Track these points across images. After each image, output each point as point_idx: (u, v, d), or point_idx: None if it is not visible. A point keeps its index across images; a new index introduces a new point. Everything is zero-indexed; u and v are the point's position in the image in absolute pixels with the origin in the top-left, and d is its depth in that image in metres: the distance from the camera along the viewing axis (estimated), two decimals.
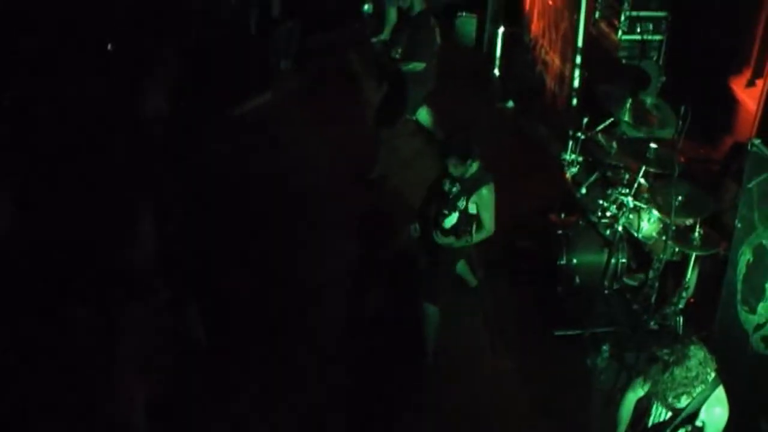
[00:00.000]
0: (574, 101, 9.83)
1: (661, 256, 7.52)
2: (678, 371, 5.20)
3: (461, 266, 8.25)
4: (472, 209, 7.54)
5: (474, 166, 7.51)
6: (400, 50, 9.83)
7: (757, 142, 6.36)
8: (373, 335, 8.09)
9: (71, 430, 6.13)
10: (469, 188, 7.53)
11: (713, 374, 5.36)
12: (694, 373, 5.23)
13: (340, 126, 11.07)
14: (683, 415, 5.44)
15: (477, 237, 7.64)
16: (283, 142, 10.84)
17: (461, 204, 7.54)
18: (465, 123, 11.13)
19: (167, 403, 6.24)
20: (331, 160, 10.41)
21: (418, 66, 9.80)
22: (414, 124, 10.82)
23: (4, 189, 7.99)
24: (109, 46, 9.86)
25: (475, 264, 8.41)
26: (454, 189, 7.59)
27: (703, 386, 5.31)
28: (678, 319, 7.74)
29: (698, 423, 5.51)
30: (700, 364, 5.26)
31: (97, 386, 5.83)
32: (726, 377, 5.55)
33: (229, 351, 7.61)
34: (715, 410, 5.45)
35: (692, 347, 5.26)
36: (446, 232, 7.62)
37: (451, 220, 7.55)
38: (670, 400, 5.31)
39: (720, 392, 5.47)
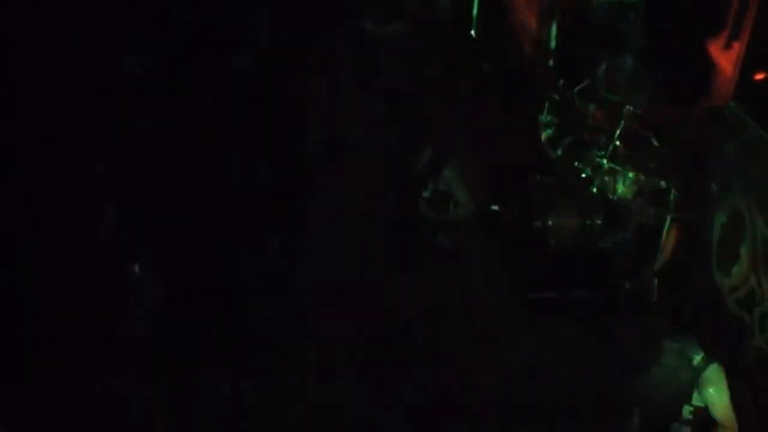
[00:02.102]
0: (551, 63, 9.74)
1: (636, 218, 7.55)
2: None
3: None
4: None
5: None
6: None
7: (733, 105, 6.35)
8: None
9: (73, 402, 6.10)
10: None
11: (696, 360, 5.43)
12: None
13: None
14: None
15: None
16: None
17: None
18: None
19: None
20: None
21: None
22: None
23: None
24: None
25: None
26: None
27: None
28: (653, 281, 7.77)
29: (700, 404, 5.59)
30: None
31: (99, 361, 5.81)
32: (702, 340, 5.60)
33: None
34: (709, 390, 5.53)
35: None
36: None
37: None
38: None
39: (711, 372, 5.54)
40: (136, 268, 6.67)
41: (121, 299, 6.57)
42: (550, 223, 8.11)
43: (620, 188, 7.80)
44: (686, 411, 5.57)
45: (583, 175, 7.97)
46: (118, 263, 6.85)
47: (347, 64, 10.51)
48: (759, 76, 7.45)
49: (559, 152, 8.17)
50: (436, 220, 7.57)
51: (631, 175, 7.67)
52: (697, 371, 5.50)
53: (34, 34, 8.66)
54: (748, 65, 7.63)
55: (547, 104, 8.39)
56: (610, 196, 7.83)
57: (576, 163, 7.98)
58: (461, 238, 8.49)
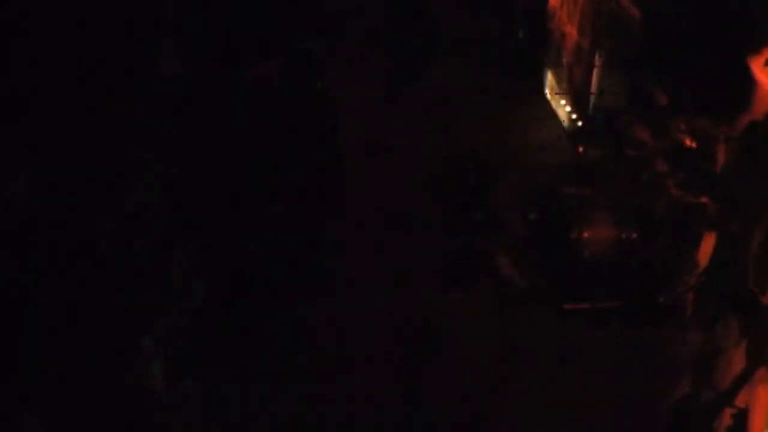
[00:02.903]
0: (591, 74, 9.77)
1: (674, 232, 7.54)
2: None
3: None
4: None
5: None
6: None
7: None
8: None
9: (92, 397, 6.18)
10: None
11: None
12: None
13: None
14: None
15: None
16: None
17: None
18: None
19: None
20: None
21: None
22: None
23: (21, 152, 7.99)
24: None
25: None
26: None
27: None
28: (688, 294, 7.75)
29: None
30: None
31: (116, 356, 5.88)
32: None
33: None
34: None
35: None
36: None
37: None
38: None
39: None
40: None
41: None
42: (585, 234, 8.10)
43: (659, 202, 7.78)
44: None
45: (621, 187, 7.95)
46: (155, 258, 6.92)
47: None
48: None
49: (597, 163, 8.17)
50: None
51: (670, 188, 7.65)
52: None
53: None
54: None
55: (586, 115, 8.39)
56: (649, 210, 7.81)
57: (614, 174, 7.97)
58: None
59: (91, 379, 6.35)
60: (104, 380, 6.09)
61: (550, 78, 11.33)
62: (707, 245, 7.60)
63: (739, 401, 5.37)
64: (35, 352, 6.77)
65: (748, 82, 7.63)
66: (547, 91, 11.45)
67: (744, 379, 5.37)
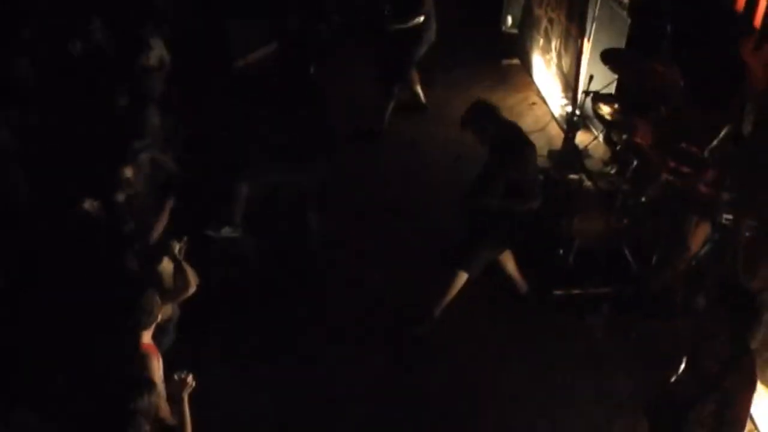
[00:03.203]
0: (580, 60, 9.76)
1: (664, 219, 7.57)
2: None
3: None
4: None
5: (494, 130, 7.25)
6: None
7: None
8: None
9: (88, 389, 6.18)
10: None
11: None
12: None
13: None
14: None
15: (509, 203, 7.29)
16: None
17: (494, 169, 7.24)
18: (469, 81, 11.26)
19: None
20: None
21: (418, 20, 9.82)
22: None
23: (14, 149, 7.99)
24: None
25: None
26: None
27: None
28: (678, 282, 7.78)
29: None
30: None
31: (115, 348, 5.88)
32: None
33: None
34: None
35: None
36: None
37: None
38: None
39: None
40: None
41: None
42: (575, 221, 8.11)
43: (649, 189, 7.79)
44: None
45: (611, 174, 7.96)
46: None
47: None
48: None
49: (587, 150, 8.18)
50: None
51: (661, 176, 7.66)
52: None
53: None
54: None
55: (576, 101, 8.39)
56: (640, 198, 7.82)
57: (603, 162, 7.99)
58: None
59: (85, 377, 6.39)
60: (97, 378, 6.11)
61: (539, 62, 11.33)
62: (697, 232, 7.63)
63: (724, 388, 5.39)
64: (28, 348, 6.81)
65: (738, 67, 7.64)
66: (534, 75, 11.47)
67: (730, 365, 5.39)
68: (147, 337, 5.76)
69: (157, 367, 5.67)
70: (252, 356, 7.40)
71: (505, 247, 7.69)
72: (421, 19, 9.80)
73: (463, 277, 7.49)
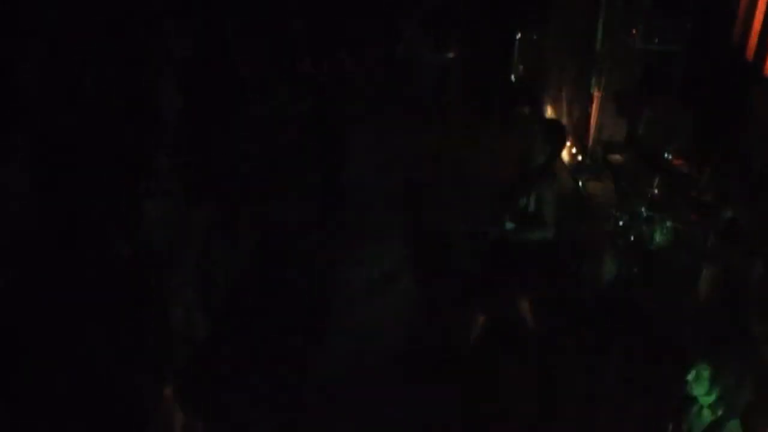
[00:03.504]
0: (591, 110, 9.78)
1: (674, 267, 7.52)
2: None
3: None
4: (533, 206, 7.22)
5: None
6: None
7: None
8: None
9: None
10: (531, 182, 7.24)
11: None
12: None
13: None
14: None
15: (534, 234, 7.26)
16: None
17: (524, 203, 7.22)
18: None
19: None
20: None
21: None
22: None
23: (22, 170, 7.99)
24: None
25: None
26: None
27: None
28: (688, 330, 7.71)
29: None
30: None
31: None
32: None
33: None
34: None
35: None
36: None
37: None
38: None
39: None
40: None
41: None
42: (585, 269, 8.08)
43: (658, 236, 7.75)
44: None
45: (621, 223, 7.92)
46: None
47: None
48: None
49: (597, 199, 8.15)
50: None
51: (668, 223, 7.62)
52: None
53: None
54: None
55: (586, 150, 8.39)
56: (648, 245, 7.78)
57: (613, 210, 7.95)
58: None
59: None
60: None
61: (549, 111, 11.37)
62: (709, 279, 7.58)
63: None
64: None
65: (747, 114, 7.67)
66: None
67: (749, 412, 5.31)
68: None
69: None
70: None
71: None
72: None
73: None
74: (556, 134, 7.07)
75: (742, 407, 5.30)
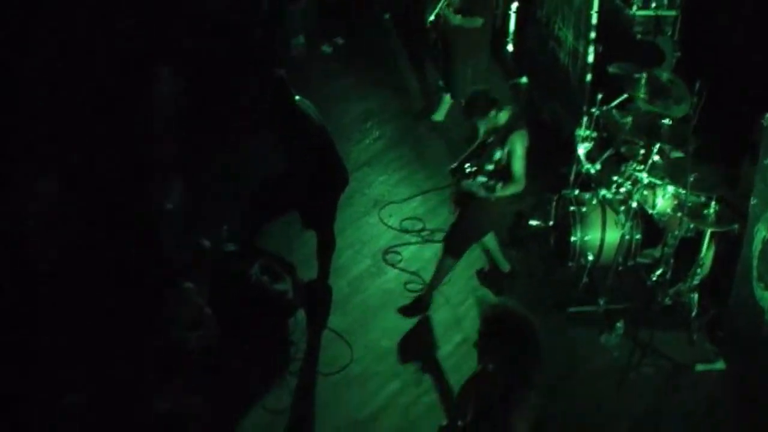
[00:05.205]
0: (588, 77, 9.73)
1: (676, 232, 7.50)
2: None
3: (493, 246, 8.31)
4: (504, 160, 7.52)
5: (502, 116, 7.55)
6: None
7: None
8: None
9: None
10: (502, 137, 7.51)
11: None
12: None
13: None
14: None
15: (505, 190, 7.55)
16: None
17: (497, 155, 7.53)
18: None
19: None
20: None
21: (477, 22, 9.94)
22: None
23: (51, 169, 7.98)
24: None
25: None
26: (490, 140, 7.62)
27: None
28: (692, 296, 7.73)
29: None
30: None
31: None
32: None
33: None
34: None
35: None
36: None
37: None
38: None
39: None
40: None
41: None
42: (587, 238, 8.07)
43: (659, 202, 7.73)
44: None
45: (622, 190, 7.90)
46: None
47: None
48: None
49: (597, 166, 8.11)
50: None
51: (670, 189, 7.61)
52: None
53: None
54: None
55: (585, 119, 8.34)
56: (649, 210, 7.77)
57: (614, 177, 7.93)
58: None
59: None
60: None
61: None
62: (711, 245, 7.59)
63: None
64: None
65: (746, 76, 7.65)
66: None
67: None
68: None
69: None
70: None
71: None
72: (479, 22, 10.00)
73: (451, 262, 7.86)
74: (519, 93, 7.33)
75: None
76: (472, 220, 7.80)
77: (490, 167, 7.57)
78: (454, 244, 7.83)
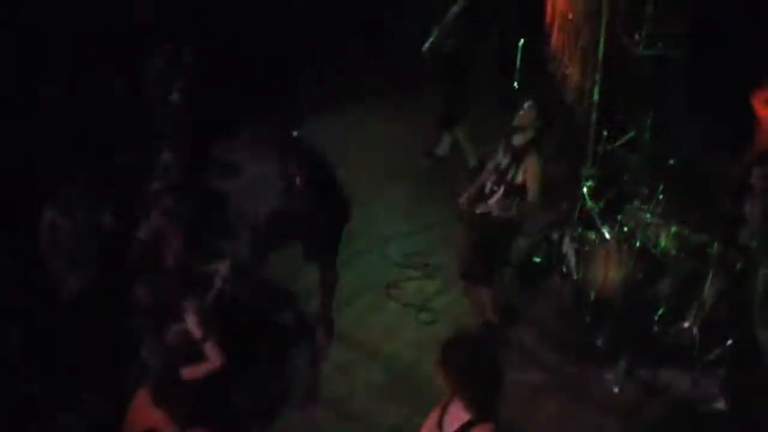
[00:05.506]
0: (594, 115, 9.77)
1: (679, 271, 7.51)
2: None
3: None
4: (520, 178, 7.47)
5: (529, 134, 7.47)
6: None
7: None
8: None
9: None
10: (519, 157, 7.46)
11: None
12: None
13: None
14: None
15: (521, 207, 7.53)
16: None
17: (511, 175, 7.48)
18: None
19: None
20: None
21: None
22: None
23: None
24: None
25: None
26: (505, 161, 7.56)
27: None
28: (695, 334, 7.71)
29: None
30: None
31: None
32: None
33: None
34: None
35: None
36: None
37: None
38: None
39: None
40: None
41: None
42: (590, 276, 8.07)
43: (663, 242, 7.74)
44: None
45: (625, 229, 7.92)
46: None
47: None
48: None
49: (601, 205, 8.14)
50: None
51: (673, 228, 7.62)
52: None
53: None
54: None
55: (589, 157, 8.38)
56: (652, 250, 7.77)
57: (618, 217, 7.94)
58: None
59: None
60: None
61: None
62: (714, 284, 7.58)
63: None
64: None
65: (752, 120, 7.67)
66: None
67: None
68: None
69: None
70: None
71: None
72: None
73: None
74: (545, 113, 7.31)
75: None
76: (490, 242, 7.78)
77: (503, 187, 7.53)
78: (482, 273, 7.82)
